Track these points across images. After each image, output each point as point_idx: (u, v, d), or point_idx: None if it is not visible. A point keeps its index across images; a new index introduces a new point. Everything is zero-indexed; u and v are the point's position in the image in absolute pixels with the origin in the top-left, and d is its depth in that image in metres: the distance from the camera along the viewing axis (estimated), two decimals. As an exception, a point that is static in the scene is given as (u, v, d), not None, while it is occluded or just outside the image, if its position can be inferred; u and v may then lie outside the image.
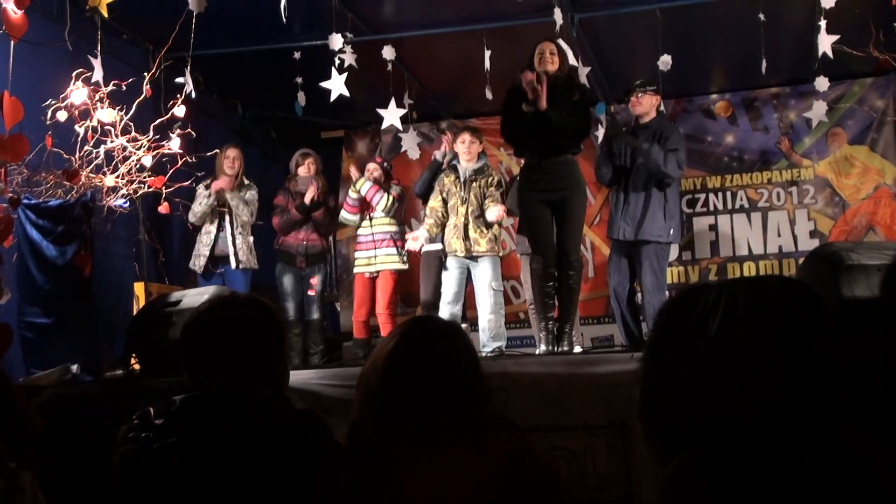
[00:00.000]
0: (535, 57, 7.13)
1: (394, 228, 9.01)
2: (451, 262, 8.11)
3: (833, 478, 1.74)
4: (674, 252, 11.02)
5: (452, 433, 2.67)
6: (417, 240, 8.29)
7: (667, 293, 7.92)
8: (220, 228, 8.84)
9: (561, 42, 7.64)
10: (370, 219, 8.98)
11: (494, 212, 7.89)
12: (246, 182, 9.01)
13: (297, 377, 5.65)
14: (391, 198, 8.87)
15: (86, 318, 6.59)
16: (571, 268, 7.12)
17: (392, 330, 2.95)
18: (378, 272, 8.94)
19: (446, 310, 8.00)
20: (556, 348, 7.10)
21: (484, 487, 2.62)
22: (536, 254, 7.24)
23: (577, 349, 8.05)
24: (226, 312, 2.88)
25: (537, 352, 7.57)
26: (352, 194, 8.94)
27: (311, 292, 9.10)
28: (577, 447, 4.90)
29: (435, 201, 8.31)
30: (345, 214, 9.05)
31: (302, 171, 9.24)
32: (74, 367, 6.18)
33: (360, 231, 9.09)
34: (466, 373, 2.83)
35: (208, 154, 8.61)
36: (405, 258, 9.07)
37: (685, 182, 11.34)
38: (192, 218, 8.80)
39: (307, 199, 8.99)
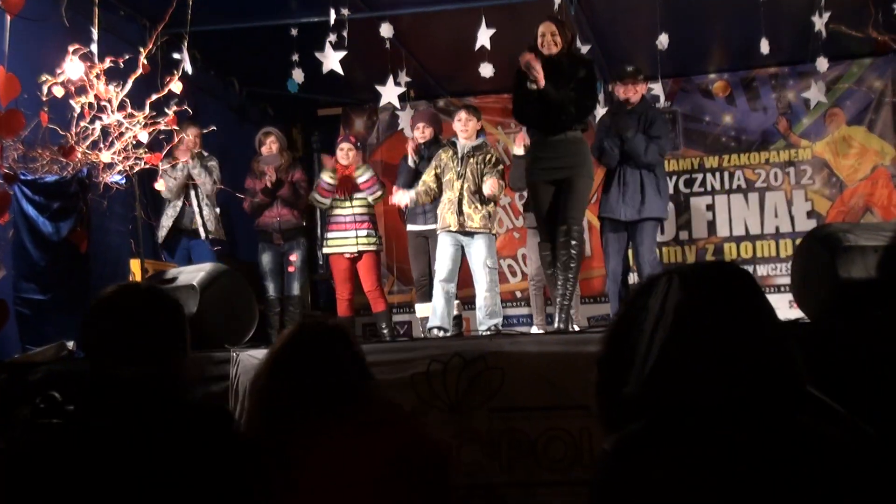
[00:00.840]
0: (538, 39, 7.09)
1: (371, 210, 9.09)
2: (444, 238, 8.04)
3: (761, 461, 1.83)
4: (670, 231, 11.04)
5: (339, 426, 2.77)
6: (402, 197, 8.27)
7: (661, 266, 7.98)
8: (187, 202, 8.79)
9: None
10: (350, 199, 8.96)
11: (489, 184, 7.85)
12: (205, 154, 8.94)
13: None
14: (384, 191, 8.94)
15: (82, 295, 6.59)
16: (571, 237, 7.00)
17: (281, 334, 3.07)
18: (360, 253, 8.94)
19: (440, 287, 7.95)
20: (553, 325, 7.07)
21: (375, 475, 2.70)
22: (544, 240, 7.22)
23: (574, 328, 8.05)
24: (127, 300, 2.89)
25: (534, 330, 7.59)
26: (328, 178, 8.88)
27: (290, 269, 9.11)
28: (573, 427, 4.89)
29: (428, 175, 8.26)
30: (318, 197, 8.98)
31: (264, 150, 9.20)
32: (70, 344, 6.18)
33: (336, 210, 9.04)
34: (347, 369, 2.93)
35: (205, 131, 8.62)
36: (381, 240, 9.24)
37: (682, 162, 11.35)
38: (168, 195, 8.71)
39: (267, 183, 8.96)
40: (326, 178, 8.92)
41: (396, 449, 2.75)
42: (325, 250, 9.14)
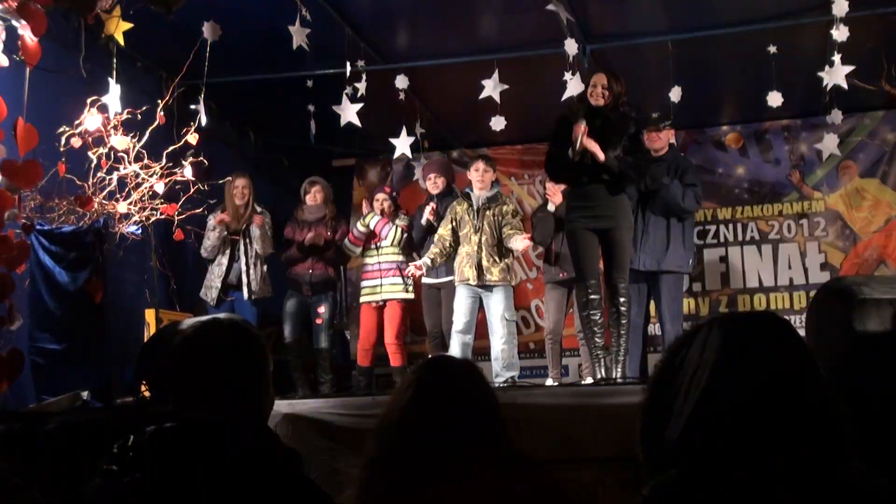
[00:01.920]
0: (588, 89, 7.09)
1: (400, 258, 9.04)
2: (462, 291, 8.05)
3: None
4: (685, 283, 11.02)
5: (473, 476, 2.61)
6: (420, 268, 8.27)
7: (682, 323, 7.91)
8: (233, 258, 8.83)
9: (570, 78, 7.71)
10: (377, 248, 9.00)
11: (521, 241, 7.83)
12: (259, 210, 8.99)
13: (308, 406, 5.66)
14: (399, 230, 8.92)
15: (97, 345, 6.60)
16: (619, 294, 6.98)
17: (407, 375, 2.88)
18: (384, 301, 8.94)
19: (457, 339, 7.95)
20: (611, 376, 7.03)
21: None
22: (581, 281, 7.15)
23: (589, 380, 8.03)
24: (210, 337, 2.75)
25: (586, 381, 7.61)
26: (359, 227, 8.95)
27: (318, 321, 9.08)
28: (587, 480, 4.87)
29: (444, 229, 8.28)
30: (348, 245, 9.08)
31: (309, 199, 9.24)
32: (85, 394, 6.18)
33: (366, 260, 9.13)
34: (484, 413, 2.79)
35: (220, 182, 8.66)
36: (410, 287, 9.10)
37: (697, 214, 11.29)
38: (204, 253, 8.83)
39: (307, 242, 8.98)
40: (359, 225, 8.98)
41: (538, 497, 2.64)
42: (361, 299, 9.17)
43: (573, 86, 8.16)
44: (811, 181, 11.26)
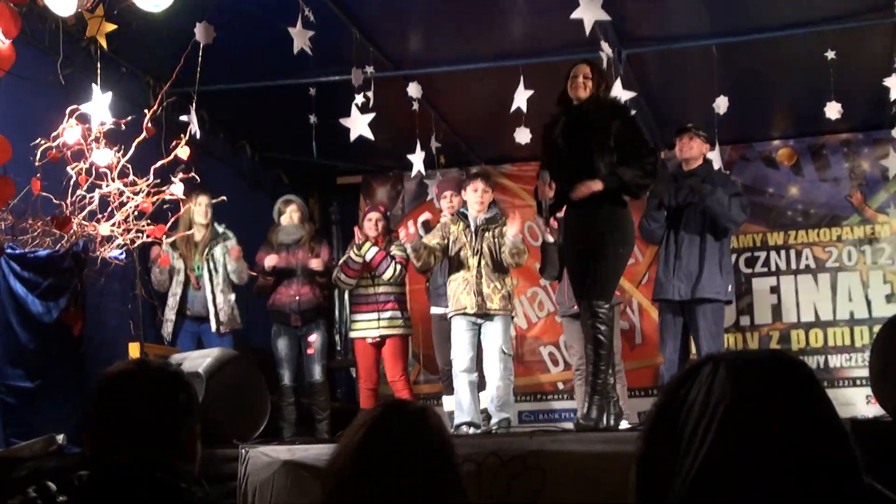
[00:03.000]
0: (568, 82, 6.90)
1: (398, 290, 9.00)
2: (459, 323, 7.96)
3: None
4: (730, 316, 10.96)
5: None
6: (410, 236, 8.31)
7: None
8: (188, 286, 8.78)
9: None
10: (372, 278, 8.92)
11: (513, 226, 7.80)
12: (220, 230, 8.94)
13: (308, 452, 5.64)
14: (398, 266, 8.78)
15: (74, 382, 6.62)
16: (596, 319, 6.65)
17: (359, 417, 2.91)
18: (383, 338, 8.89)
19: (463, 378, 7.90)
20: (586, 421, 6.79)
21: None
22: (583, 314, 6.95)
23: (625, 424, 7.99)
24: (132, 380, 2.87)
25: (622, 426, 7.51)
26: (353, 256, 8.77)
27: (310, 351, 8.99)
28: (621, 536, 4.84)
29: (435, 240, 8.19)
30: (343, 277, 8.85)
31: (284, 219, 9.17)
32: (60, 438, 6.19)
33: (359, 290, 9.00)
34: (439, 467, 2.79)
35: (214, 201, 8.68)
36: (409, 321, 9.10)
37: (743, 238, 11.29)
38: (155, 286, 8.73)
39: (267, 266, 8.93)
40: (354, 255, 8.80)
41: None
42: (352, 334, 9.09)
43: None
44: (874, 203, 11.22)
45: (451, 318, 8.08)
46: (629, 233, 6.88)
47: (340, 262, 8.99)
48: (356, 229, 8.99)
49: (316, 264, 8.92)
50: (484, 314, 7.91)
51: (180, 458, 2.82)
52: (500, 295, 7.85)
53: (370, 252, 8.74)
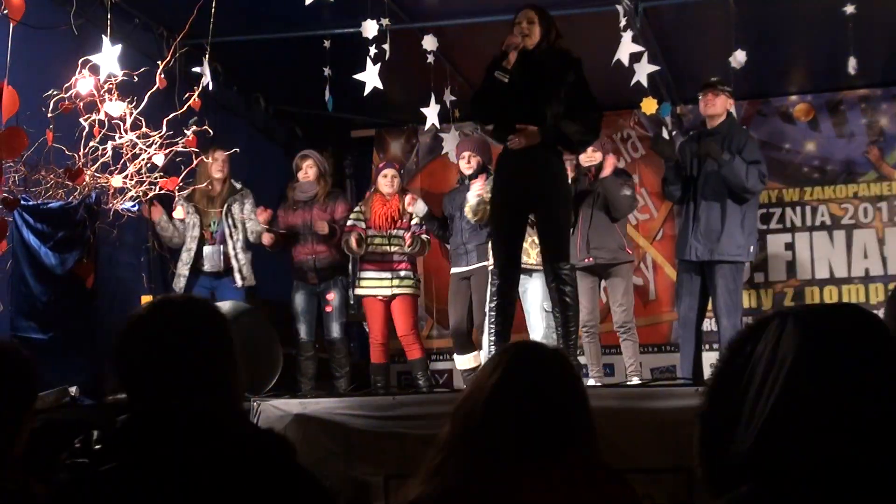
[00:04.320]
0: (513, 29, 6.74)
1: (412, 250, 8.99)
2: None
3: None
4: (745, 272, 10.95)
5: (554, 478, 2.64)
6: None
7: (741, 318, 7.84)
8: (203, 242, 8.72)
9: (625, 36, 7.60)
10: (389, 237, 8.92)
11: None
12: (238, 187, 8.92)
13: (321, 406, 5.66)
14: (427, 243, 8.94)
15: (87, 335, 6.62)
16: (560, 281, 6.60)
17: (494, 357, 2.90)
18: (394, 296, 8.89)
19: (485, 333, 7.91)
20: None
21: None
22: (497, 267, 6.83)
23: (635, 380, 7.99)
24: (162, 318, 2.75)
25: (632, 381, 7.54)
26: (356, 217, 8.85)
27: (328, 309, 8.94)
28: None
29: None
30: (351, 245, 8.79)
31: (301, 175, 9.10)
32: (73, 389, 6.21)
33: (371, 247, 8.94)
34: (575, 410, 2.79)
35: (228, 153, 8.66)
36: (419, 283, 9.22)
37: (760, 195, 11.22)
38: (164, 242, 8.62)
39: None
40: (354, 217, 8.83)
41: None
42: (358, 291, 9.08)
43: (625, 47, 8.09)
44: (892, 159, 11.16)
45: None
46: (569, 189, 6.99)
47: (349, 223, 8.91)
48: (376, 191, 8.99)
49: (320, 227, 8.82)
50: (524, 270, 7.83)
51: (222, 397, 2.73)
52: (537, 250, 7.70)
53: (414, 221, 8.87)
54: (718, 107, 8.00)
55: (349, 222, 8.86)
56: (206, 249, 8.67)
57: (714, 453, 1.97)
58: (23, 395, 3.17)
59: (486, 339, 7.59)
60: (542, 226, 6.78)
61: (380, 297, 8.92)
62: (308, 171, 9.05)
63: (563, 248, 6.74)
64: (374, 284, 8.93)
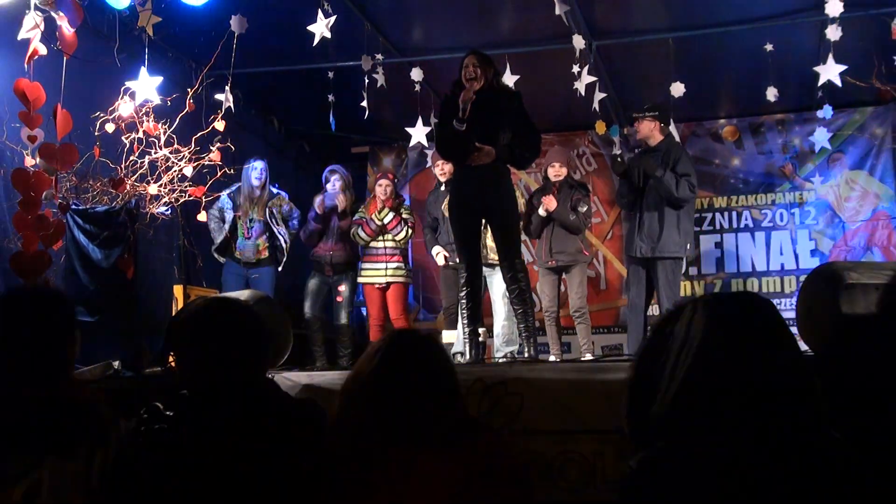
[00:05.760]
0: (462, 71, 6.71)
1: (402, 246, 9.13)
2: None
3: (790, 484, 1.84)
4: (682, 266, 10.98)
5: (427, 440, 2.66)
6: (439, 255, 8.68)
7: None
8: (241, 236, 8.82)
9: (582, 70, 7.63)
10: (383, 235, 9.00)
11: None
12: (275, 192, 9.00)
13: (325, 378, 5.65)
14: (409, 230, 8.99)
15: (127, 318, 6.61)
16: (517, 271, 6.65)
17: (377, 342, 2.90)
18: (389, 284, 9.00)
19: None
20: (524, 355, 6.83)
21: (458, 491, 2.62)
22: (462, 264, 6.87)
23: (588, 356, 8.03)
24: (216, 315, 2.90)
25: (586, 357, 7.58)
26: (375, 220, 8.90)
27: (338, 299, 9.08)
28: (588, 451, 4.87)
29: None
30: (362, 234, 8.95)
31: (329, 186, 9.19)
32: (116, 363, 6.19)
33: (372, 244, 9.05)
34: (443, 380, 2.80)
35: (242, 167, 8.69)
36: (410, 272, 9.28)
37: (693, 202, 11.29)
38: (216, 241, 8.78)
39: (340, 208, 8.96)
40: (375, 218, 8.92)
41: (482, 467, 2.65)
42: (360, 279, 9.16)
43: (582, 79, 8.16)
44: (803, 172, 11.22)
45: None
46: (516, 199, 6.91)
47: (356, 218, 9.02)
48: (374, 197, 9.06)
49: (340, 200, 8.94)
50: (488, 264, 7.93)
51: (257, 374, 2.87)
52: None
53: (388, 217, 8.86)
54: (643, 131, 7.99)
55: (356, 217, 9.02)
56: (241, 242, 8.83)
57: (638, 415, 2.01)
58: (67, 321, 3.29)
59: (460, 321, 7.64)
60: (496, 231, 6.84)
61: (377, 286, 9.04)
62: (335, 183, 9.10)
63: (514, 246, 6.77)
64: (370, 274, 9.05)
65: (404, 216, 8.97)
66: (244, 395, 2.70)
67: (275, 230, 8.85)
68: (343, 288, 9.06)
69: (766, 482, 1.83)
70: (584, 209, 8.44)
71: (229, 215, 8.71)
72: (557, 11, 7.59)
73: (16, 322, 3.15)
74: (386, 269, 8.96)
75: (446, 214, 7.98)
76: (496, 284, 7.98)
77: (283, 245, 8.88)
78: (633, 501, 1.95)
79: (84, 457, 2.91)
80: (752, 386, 1.89)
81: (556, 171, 8.54)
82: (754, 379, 1.90)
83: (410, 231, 9.01)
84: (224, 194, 8.61)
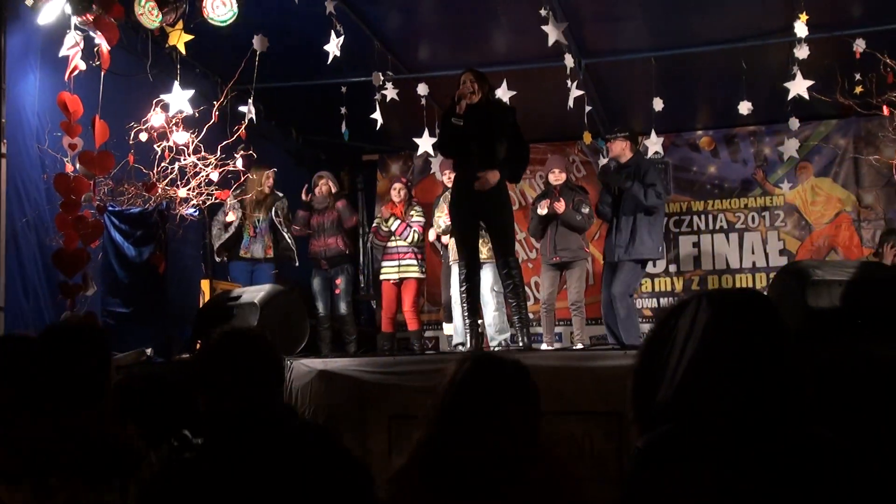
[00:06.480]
0: (460, 86, 6.69)
1: (416, 244, 9.13)
2: (456, 268, 8.02)
3: (785, 466, 1.84)
4: (661, 264, 10.98)
5: (511, 492, 2.35)
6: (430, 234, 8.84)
7: (630, 299, 7.97)
8: (247, 235, 8.81)
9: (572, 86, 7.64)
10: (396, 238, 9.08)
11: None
12: (280, 196, 9.00)
13: (339, 364, 5.66)
14: (417, 233, 8.98)
15: (159, 309, 6.63)
16: (511, 268, 6.68)
17: (451, 368, 2.54)
18: (402, 279, 9.00)
19: (458, 310, 7.95)
20: (518, 344, 6.82)
21: None
22: (462, 260, 6.88)
23: (579, 345, 8.04)
24: (236, 345, 2.74)
25: (576, 346, 7.61)
26: (383, 227, 9.01)
27: (336, 291, 9.08)
28: (577, 432, 4.88)
29: (441, 215, 8.64)
30: (376, 241, 9.20)
31: (317, 190, 9.17)
32: (148, 351, 6.21)
33: (388, 244, 9.14)
34: (526, 431, 2.47)
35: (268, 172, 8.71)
36: (424, 268, 9.23)
37: (673, 205, 11.29)
38: (217, 244, 8.68)
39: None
40: (383, 226, 9.03)
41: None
42: (381, 277, 9.24)
43: (571, 94, 8.24)
44: (773, 179, 11.22)
45: (450, 265, 8.14)
46: (510, 201, 7.01)
47: (373, 225, 9.20)
48: (390, 200, 9.11)
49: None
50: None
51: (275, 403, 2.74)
52: (487, 247, 7.78)
53: (394, 224, 8.95)
54: (615, 150, 8.05)
55: (374, 224, 9.23)
56: (246, 240, 8.82)
57: (643, 401, 2.00)
58: (104, 357, 3.20)
59: (459, 315, 7.66)
60: (492, 231, 6.92)
61: (392, 281, 9.10)
62: (322, 187, 9.11)
63: (508, 245, 6.80)
64: (386, 271, 9.14)
65: (414, 218, 9.00)
66: (264, 421, 2.56)
67: (279, 229, 8.84)
68: (339, 280, 9.05)
69: (764, 463, 1.83)
70: (587, 210, 8.47)
71: (231, 216, 8.63)
72: (550, 43, 7.63)
73: (56, 355, 3.09)
74: (399, 265, 9.02)
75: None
76: (484, 280, 7.96)
77: (290, 242, 8.86)
78: (640, 479, 1.94)
79: (119, 488, 2.84)
80: (750, 375, 1.89)
81: (557, 177, 8.60)
82: (753, 369, 1.89)
83: (417, 235, 9.00)
84: (229, 199, 8.51)
